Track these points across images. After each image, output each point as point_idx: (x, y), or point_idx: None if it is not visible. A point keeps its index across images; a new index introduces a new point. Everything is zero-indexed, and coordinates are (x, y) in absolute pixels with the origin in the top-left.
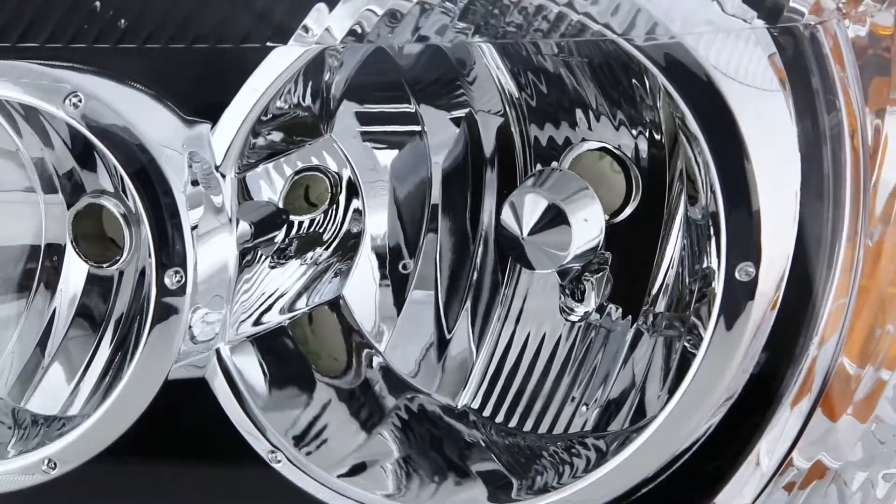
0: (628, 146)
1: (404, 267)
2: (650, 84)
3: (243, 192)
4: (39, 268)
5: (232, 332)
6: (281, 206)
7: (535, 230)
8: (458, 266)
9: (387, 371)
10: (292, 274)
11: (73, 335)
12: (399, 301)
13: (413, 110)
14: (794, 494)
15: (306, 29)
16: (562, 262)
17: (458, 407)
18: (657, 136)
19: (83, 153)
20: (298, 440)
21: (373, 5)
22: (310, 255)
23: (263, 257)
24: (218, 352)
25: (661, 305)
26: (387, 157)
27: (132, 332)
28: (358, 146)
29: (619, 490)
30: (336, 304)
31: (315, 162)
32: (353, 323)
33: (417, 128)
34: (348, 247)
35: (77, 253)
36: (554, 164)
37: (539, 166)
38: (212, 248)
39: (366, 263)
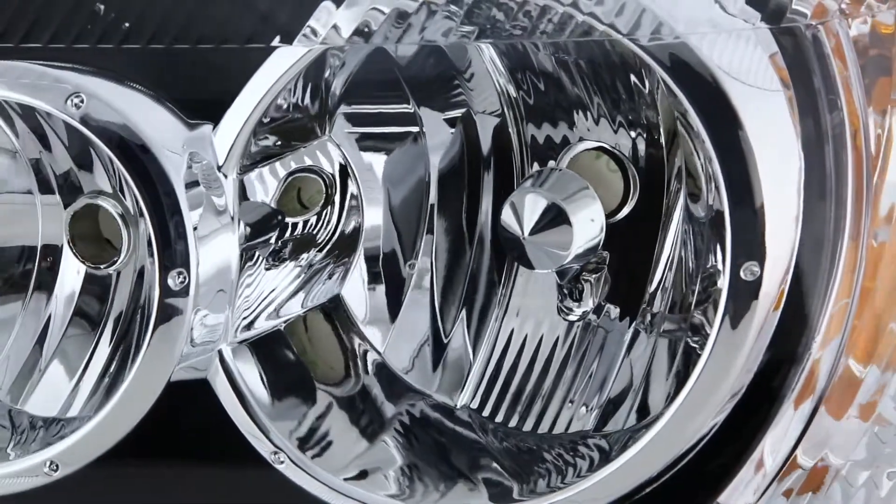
0: (625, 145)
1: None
2: (647, 83)
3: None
4: (36, 269)
5: (232, 334)
6: (274, 207)
7: (536, 230)
8: (455, 266)
9: (386, 376)
10: (287, 276)
11: (70, 336)
12: (398, 301)
13: (412, 110)
14: (796, 493)
15: (312, 29)
16: (563, 262)
17: (458, 406)
18: (654, 135)
19: (80, 154)
20: (301, 444)
21: (379, 5)
22: (305, 256)
23: (260, 259)
24: (220, 353)
25: (659, 305)
26: (386, 157)
27: (131, 332)
28: (357, 146)
29: (623, 489)
30: (331, 311)
31: (309, 163)
32: (351, 324)
33: (416, 128)
34: (345, 248)
35: (74, 253)
36: (551, 163)
37: (536, 166)
38: (214, 249)
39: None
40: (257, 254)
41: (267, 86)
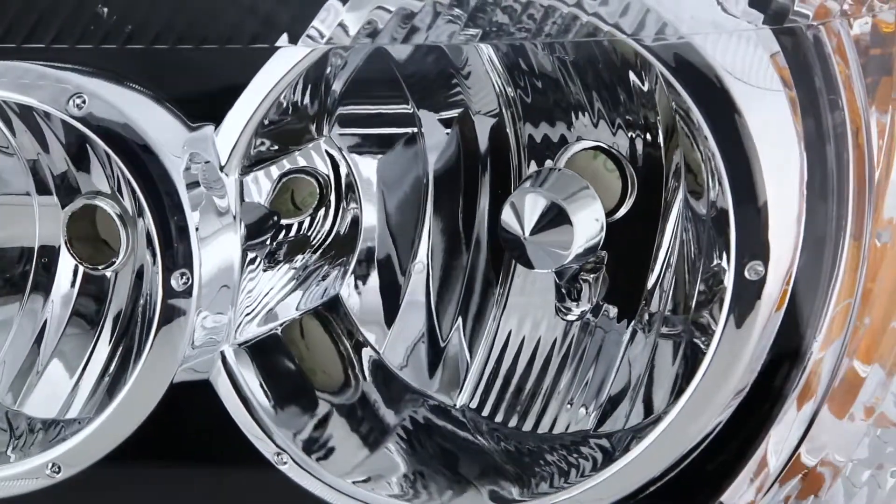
0: (622, 145)
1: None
2: (644, 82)
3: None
4: (33, 269)
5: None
6: (270, 208)
7: (536, 230)
8: (453, 266)
9: (384, 377)
10: (282, 278)
11: (68, 337)
12: (397, 302)
13: (411, 111)
14: (799, 492)
15: (317, 29)
16: (564, 262)
17: (457, 406)
18: (652, 134)
19: (78, 154)
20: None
21: (384, 4)
22: (300, 258)
23: (258, 260)
24: (222, 354)
25: (657, 305)
26: (385, 158)
27: (131, 332)
28: (355, 147)
29: (628, 489)
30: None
31: (302, 164)
32: (349, 326)
33: (415, 128)
34: (342, 249)
35: (72, 254)
36: (548, 162)
37: (534, 165)
38: (217, 250)
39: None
40: (256, 255)
41: (269, 86)
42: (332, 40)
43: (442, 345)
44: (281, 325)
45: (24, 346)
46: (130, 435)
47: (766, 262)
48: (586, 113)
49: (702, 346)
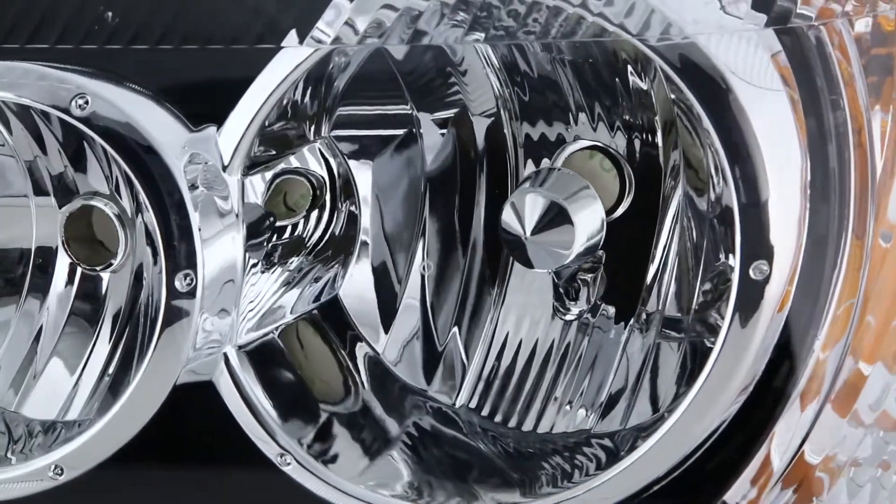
0: (620, 144)
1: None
2: (641, 81)
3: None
4: (30, 271)
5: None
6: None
7: (537, 230)
8: (451, 266)
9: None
10: (277, 280)
11: (66, 338)
12: (396, 303)
13: (409, 110)
14: (802, 491)
15: (322, 30)
16: (565, 262)
17: (456, 406)
18: (649, 133)
19: (75, 155)
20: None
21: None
22: (295, 260)
23: (258, 262)
24: (225, 356)
25: (655, 304)
26: (383, 158)
27: (131, 332)
28: (354, 148)
29: (632, 488)
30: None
31: (295, 164)
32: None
33: (413, 128)
34: (339, 251)
35: (69, 255)
36: (545, 161)
37: (531, 165)
38: (220, 251)
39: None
40: (254, 256)
41: (272, 86)
42: (338, 40)
43: (440, 345)
44: (278, 327)
45: (21, 347)
46: (133, 437)
47: (770, 262)
48: (583, 112)
49: (702, 345)
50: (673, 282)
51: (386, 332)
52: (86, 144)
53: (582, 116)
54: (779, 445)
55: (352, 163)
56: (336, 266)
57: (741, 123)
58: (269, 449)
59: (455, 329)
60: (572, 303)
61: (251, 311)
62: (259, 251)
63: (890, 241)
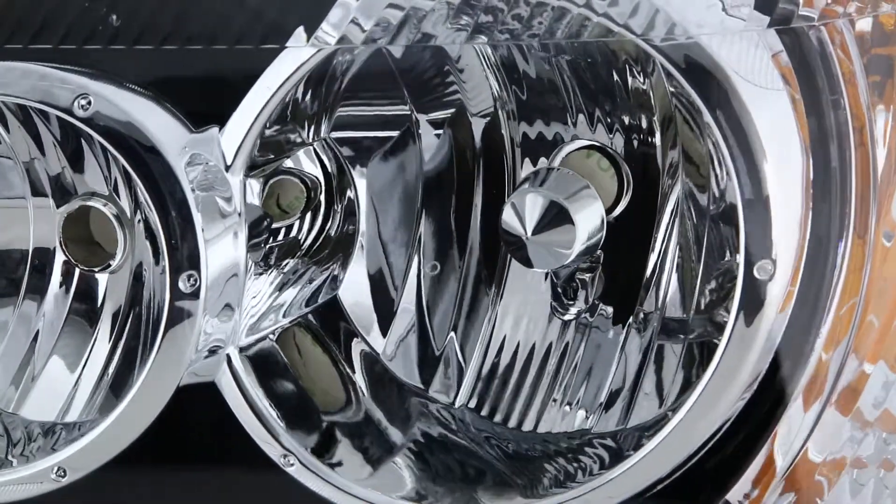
0: (618, 143)
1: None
2: (639, 80)
3: None
4: (28, 272)
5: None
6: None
7: (538, 230)
8: (448, 267)
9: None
10: (274, 281)
11: (65, 339)
12: (395, 303)
13: (408, 111)
14: (805, 490)
15: (326, 30)
16: (566, 261)
17: (456, 406)
18: (647, 132)
19: (73, 155)
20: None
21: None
22: (292, 262)
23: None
24: (227, 357)
25: (654, 303)
26: (381, 158)
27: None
28: (352, 148)
29: (638, 487)
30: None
31: (289, 166)
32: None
33: (411, 128)
34: (338, 251)
35: (67, 256)
36: (543, 161)
37: (528, 164)
38: (223, 251)
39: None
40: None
41: (275, 86)
42: (343, 40)
43: (439, 345)
44: (276, 330)
45: (19, 349)
46: (137, 438)
47: (774, 261)
48: (581, 111)
49: (703, 344)
50: (672, 281)
51: (384, 333)
52: (84, 145)
53: (579, 116)
54: (781, 445)
55: (349, 164)
56: (334, 267)
57: (744, 123)
58: (273, 450)
59: (453, 329)
60: (570, 303)
61: (250, 312)
62: (257, 253)
63: (892, 241)
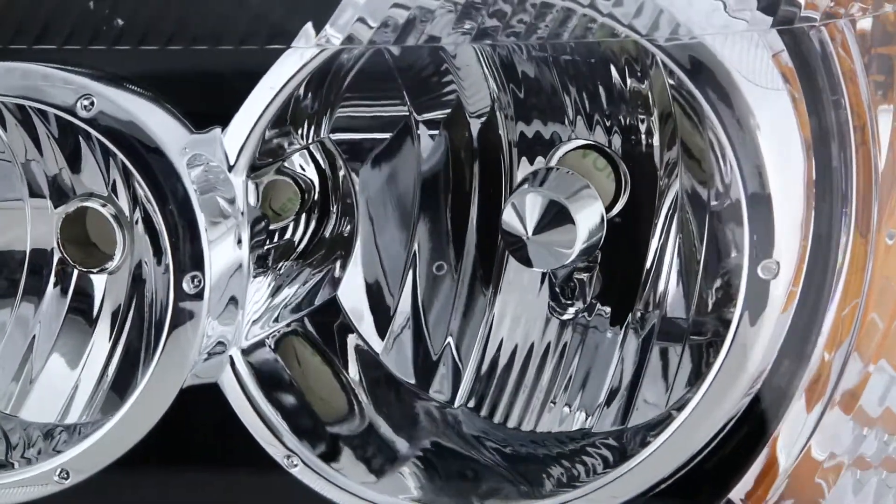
0: (615, 142)
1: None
2: (637, 79)
3: None
4: (25, 273)
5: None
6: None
7: (539, 229)
8: (446, 266)
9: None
10: (271, 283)
11: (63, 340)
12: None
13: (406, 111)
14: (807, 490)
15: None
16: (566, 261)
17: (455, 406)
18: (645, 131)
19: (71, 156)
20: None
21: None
22: (288, 264)
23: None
24: (230, 358)
25: (652, 303)
26: (379, 158)
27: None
28: (350, 149)
29: (643, 486)
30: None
31: (285, 167)
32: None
33: (408, 128)
34: (335, 253)
35: (65, 256)
36: (540, 160)
37: (525, 164)
38: (226, 252)
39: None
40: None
41: (278, 86)
42: (349, 40)
43: (437, 346)
44: (275, 331)
45: (17, 350)
46: (140, 440)
47: (778, 261)
48: (578, 111)
49: (703, 344)
50: (671, 280)
51: (382, 335)
52: (83, 145)
53: (576, 115)
54: (784, 444)
55: (347, 165)
56: (332, 268)
57: (746, 122)
58: (276, 451)
59: (451, 329)
60: (568, 303)
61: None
62: (254, 254)
63: (894, 239)
